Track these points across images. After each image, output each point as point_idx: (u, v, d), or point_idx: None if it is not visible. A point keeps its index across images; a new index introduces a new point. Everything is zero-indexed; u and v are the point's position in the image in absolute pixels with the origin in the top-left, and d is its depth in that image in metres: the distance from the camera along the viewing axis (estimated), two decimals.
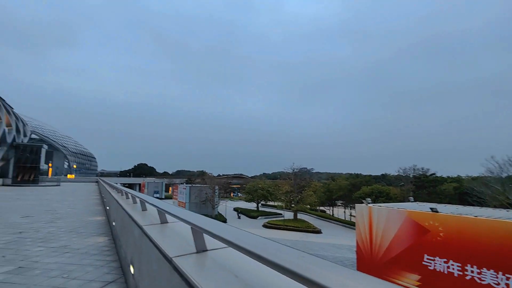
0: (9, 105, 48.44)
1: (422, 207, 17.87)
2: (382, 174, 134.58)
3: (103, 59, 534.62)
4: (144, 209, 4.84)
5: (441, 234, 13.95)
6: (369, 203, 19.07)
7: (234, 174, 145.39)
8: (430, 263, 14.07)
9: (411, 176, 54.59)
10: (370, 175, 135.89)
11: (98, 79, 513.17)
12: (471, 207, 17.27)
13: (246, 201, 74.11)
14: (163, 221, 3.52)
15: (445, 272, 13.06)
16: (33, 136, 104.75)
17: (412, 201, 24.02)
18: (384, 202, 44.15)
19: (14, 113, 50.43)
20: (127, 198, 7.40)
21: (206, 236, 2.22)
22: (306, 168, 61.83)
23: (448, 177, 59.44)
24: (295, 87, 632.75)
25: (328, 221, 56.22)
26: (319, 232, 44.22)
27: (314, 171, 61.99)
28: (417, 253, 14.87)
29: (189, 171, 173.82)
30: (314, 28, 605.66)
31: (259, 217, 57.63)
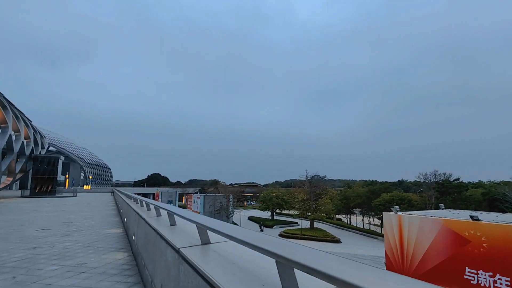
0: (27, 118, 49.41)
1: (457, 215, 16.51)
2: (399, 181, 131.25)
3: (118, 72, 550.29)
4: (173, 223, 4.09)
5: (484, 244, 12.63)
6: (397, 211, 17.83)
7: (247, 183, 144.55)
8: (473, 277, 12.71)
9: (433, 182, 52.37)
10: (386, 182, 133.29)
11: (113, 91, 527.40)
12: None
13: (260, 210, 72.97)
14: (205, 242, 2.74)
15: (491, 287, 11.71)
16: (51, 148, 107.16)
17: (443, 208, 22.54)
18: (406, 210, 42.28)
19: (32, 126, 51.40)
20: (149, 209, 6.70)
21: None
22: (319, 175, 60.57)
23: (469, 182, 56.93)
24: (308, 94, 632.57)
25: (346, 230, 54.42)
26: (338, 241, 42.64)
27: (327, 178, 60.45)
28: (457, 266, 13.52)
29: (201, 180, 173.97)
30: (326, 35, 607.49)
31: (275, 226, 56.38)
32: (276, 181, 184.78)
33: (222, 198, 55.27)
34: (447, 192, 45.14)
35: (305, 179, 59.11)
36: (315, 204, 50.54)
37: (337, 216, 67.77)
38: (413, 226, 16.01)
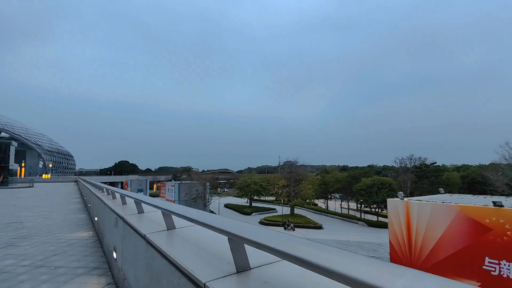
0: None
1: (461, 200, 15.49)
2: (369, 165, 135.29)
3: (79, 53, 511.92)
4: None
5: (508, 232, 11.57)
6: (403, 197, 16.43)
7: (220, 169, 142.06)
8: (494, 267, 11.62)
9: (411, 166, 53.10)
10: (357, 166, 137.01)
11: (75, 74, 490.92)
12: None
13: (238, 197, 71.25)
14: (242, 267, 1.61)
15: None
16: (3, 134, 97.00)
17: (442, 193, 21.64)
18: (387, 194, 42.16)
19: None
20: (141, 211, 4.09)
21: None
22: (290, 161, 59.85)
23: (436, 165, 58.21)
24: (280, 80, 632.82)
25: (324, 215, 54.15)
26: (320, 227, 41.88)
27: (298, 164, 59.49)
28: (475, 256, 12.39)
29: (172, 167, 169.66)
30: (297, 21, 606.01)
31: (253, 214, 54.87)
32: (249, 167, 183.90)
33: (199, 185, 52.40)
34: (425, 176, 45.74)
35: (278, 165, 58.06)
36: (296, 189, 49.38)
37: (313, 201, 67.58)
38: (423, 213, 14.59)
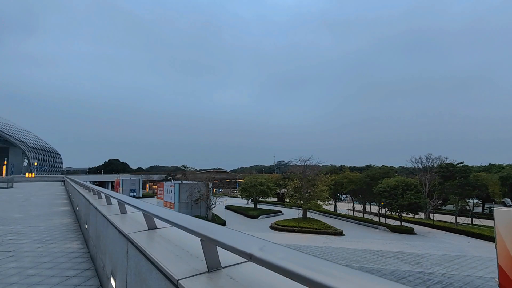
0: None
1: None
2: (367, 165, 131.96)
3: (68, 47, 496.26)
4: None
5: None
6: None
7: (213, 169, 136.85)
8: None
9: (429, 166, 49.33)
10: (355, 166, 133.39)
11: (63, 69, 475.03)
12: None
13: (234, 197, 66.61)
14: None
15: None
16: None
17: (510, 205, 16.97)
18: (415, 196, 38.02)
19: None
20: None
21: None
22: (283, 161, 55.80)
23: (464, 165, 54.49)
24: (275, 79, 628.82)
25: (338, 219, 49.86)
26: (341, 233, 37.41)
27: (291, 164, 55.60)
28: None
29: (164, 166, 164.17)
30: (294, 19, 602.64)
31: (260, 216, 50.31)
32: (242, 167, 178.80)
33: (201, 186, 47.32)
34: (452, 177, 41.76)
35: (273, 164, 54.28)
36: (310, 191, 44.85)
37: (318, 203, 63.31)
38: None
